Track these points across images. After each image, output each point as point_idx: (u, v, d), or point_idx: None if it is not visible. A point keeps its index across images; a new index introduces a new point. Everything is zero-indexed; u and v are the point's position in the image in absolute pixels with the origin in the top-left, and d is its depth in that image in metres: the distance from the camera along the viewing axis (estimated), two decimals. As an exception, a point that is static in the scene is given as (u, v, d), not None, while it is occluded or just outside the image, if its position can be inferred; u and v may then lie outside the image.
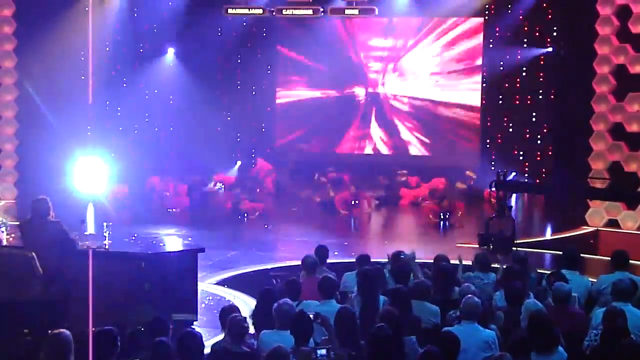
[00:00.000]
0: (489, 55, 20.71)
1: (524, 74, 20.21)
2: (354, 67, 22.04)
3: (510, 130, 20.42)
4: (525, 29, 20.01)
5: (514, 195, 17.13)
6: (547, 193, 16.73)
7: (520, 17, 19.98)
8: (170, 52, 21.65)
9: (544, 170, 19.77)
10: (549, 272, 7.81)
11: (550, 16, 19.65)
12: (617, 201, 15.39)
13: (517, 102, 20.33)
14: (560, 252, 9.40)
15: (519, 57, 20.13)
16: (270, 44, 22.27)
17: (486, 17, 20.62)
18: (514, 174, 19.29)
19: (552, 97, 19.88)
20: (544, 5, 19.63)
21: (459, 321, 6.79)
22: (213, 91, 21.61)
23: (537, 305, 7.23)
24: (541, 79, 20.03)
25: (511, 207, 12.90)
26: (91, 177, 10.21)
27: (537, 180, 19.28)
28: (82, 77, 19.75)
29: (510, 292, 7.56)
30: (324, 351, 5.97)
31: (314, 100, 22.26)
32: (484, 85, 20.87)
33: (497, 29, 20.45)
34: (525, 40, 20.03)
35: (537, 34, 19.90)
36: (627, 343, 5.95)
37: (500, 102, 20.60)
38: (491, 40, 20.64)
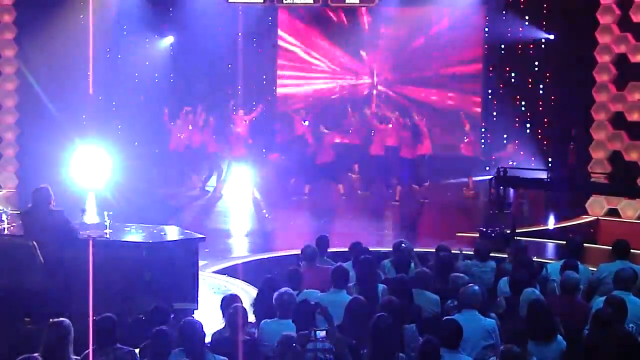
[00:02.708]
0: (489, 46, 20.68)
1: (524, 63, 20.16)
2: (354, 57, 22.01)
3: (510, 120, 20.38)
4: (526, 18, 19.95)
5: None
6: (548, 189, 16.71)
7: (521, 5, 19.94)
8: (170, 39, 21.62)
9: (543, 159, 19.75)
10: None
11: (551, 4, 19.59)
12: (619, 196, 15.38)
13: (517, 91, 20.29)
14: (564, 242, 9.42)
15: (519, 46, 20.10)
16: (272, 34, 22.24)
17: (488, 6, 20.58)
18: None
19: (552, 86, 19.83)
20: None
21: (459, 310, 6.80)
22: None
23: (536, 294, 7.25)
24: (542, 68, 19.99)
25: (510, 203, 12.91)
26: (90, 168, 10.15)
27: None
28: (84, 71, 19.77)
29: (515, 281, 7.57)
30: (323, 333, 6.00)
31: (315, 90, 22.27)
32: (484, 75, 20.85)
33: (497, 20, 20.41)
34: (525, 29, 19.98)
35: (538, 22, 19.84)
36: (617, 331, 5.96)
37: (501, 91, 20.56)
38: (491, 30, 20.60)
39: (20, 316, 8.39)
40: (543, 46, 19.83)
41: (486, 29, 20.76)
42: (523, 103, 20.27)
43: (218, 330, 6.83)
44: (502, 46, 20.36)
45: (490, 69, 20.75)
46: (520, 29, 19.97)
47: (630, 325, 6.80)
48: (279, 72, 22.43)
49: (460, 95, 21.27)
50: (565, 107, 18.79)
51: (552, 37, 19.53)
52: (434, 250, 9.11)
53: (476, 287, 6.85)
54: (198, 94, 20.29)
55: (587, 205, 16.00)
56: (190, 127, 18.65)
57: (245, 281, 10.72)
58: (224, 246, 12.99)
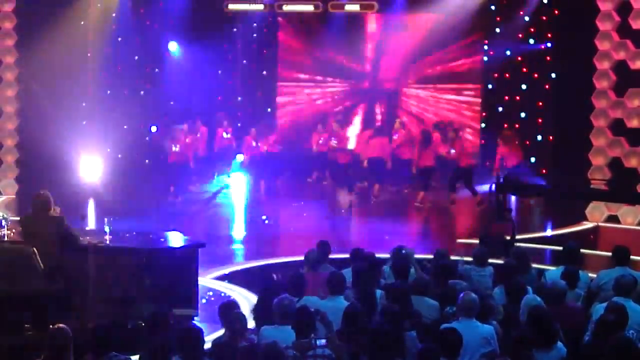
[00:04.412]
0: (489, 50, 20.71)
1: (524, 69, 20.19)
2: (356, 62, 22.02)
3: (510, 126, 20.37)
4: (527, 25, 19.97)
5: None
6: (548, 195, 16.80)
7: (521, 12, 19.96)
8: (173, 45, 21.64)
9: (543, 166, 19.75)
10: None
11: (551, 11, 19.62)
12: (618, 202, 15.38)
13: (517, 98, 20.29)
14: (561, 248, 9.40)
15: (519, 52, 20.12)
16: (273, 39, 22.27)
17: (487, 13, 20.60)
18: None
19: (552, 92, 19.84)
20: (545, 0, 19.60)
21: (456, 317, 6.79)
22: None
23: (537, 300, 7.25)
24: (541, 75, 19.99)
25: (511, 209, 12.90)
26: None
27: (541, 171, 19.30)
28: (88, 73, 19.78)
29: (511, 288, 7.57)
30: (323, 341, 6.01)
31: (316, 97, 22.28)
32: (484, 79, 20.89)
33: (498, 25, 20.45)
34: (525, 35, 20.00)
35: (538, 29, 19.86)
36: (617, 337, 5.96)
37: (500, 96, 20.57)
38: (492, 36, 20.65)
39: (20, 323, 8.38)
40: (543, 53, 19.85)
41: (486, 39, 20.81)
42: (522, 110, 20.28)
43: (218, 337, 6.82)
44: (502, 55, 20.40)
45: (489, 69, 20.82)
46: (520, 35, 20.01)
47: (631, 331, 6.79)
48: (280, 83, 22.46)
49: (460, 103, 21.30)
50: (565, 114, 18.82)
51: (549, 45, 19.55)
52: (433, 255, 9.11)
53: (474, 295, 6.82)
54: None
55: (586, 211, 15.99)
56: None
57: (245, 287, 10.72)
58: (224, 252, 12.99)
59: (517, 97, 20.21)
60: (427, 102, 21.57)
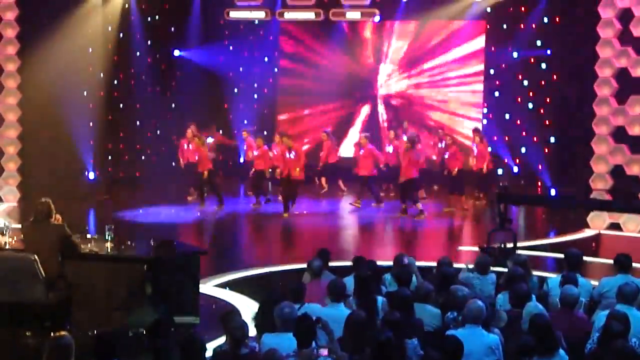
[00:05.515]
0: (490, 58, 20.75)
1: (525, 76, 20.22)
2: (357, 69, 22.06)
3: (511, 133, 20.40)
4: (527, 30, 20.00)
5: None
6: (549, 206, 16.78)
7: (523, 19, 20.00)
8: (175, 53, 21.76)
9: (546, 173, 19.77)
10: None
11: (552, 19, 19.66)
12: (620, 212, 15.38)
13: (519, 105, 20.33)
14: (562, 255, 9.39)
15: (521, 60, 20.15)
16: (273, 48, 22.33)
17: (488, 20, 20.65)
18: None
19: (553, 100, 19.87)
20: (546, 8, 19.65)
21: (462, 324, 6.77)
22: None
23: (539, 308, 7.24)
24: (542, 82, 20.03)
25: (512, 220, 12.93)
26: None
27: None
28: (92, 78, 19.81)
29: (515, 294, 7.55)
30: (325, 351, 5.99)
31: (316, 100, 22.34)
32: (486, 87, 20.93)
33: (500, 32, 20.49)
34: (527, 43, 20.04)
35: (539, 36, 19.90)
36: (619, 346, 5.95)
37: (502, 105, 20.60)
38: (493, 43, 20.69)
39: (21, 330, 8.38)
40: (544, 60, 19.88)
41: (488, 47, 20.85)
42: (524, 117, 20.31)
43: (219, 345, 6.81)
44: (504, 62, 20.44)
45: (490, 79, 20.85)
46: (521, 43, 20.05)
47: (634, 340, 6.78)
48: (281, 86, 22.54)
49: (462, 111, 21.35)
50: (566, 122, 18.82)
51: (548, 52, 19.58)
52: (436, 263, 9.11)
53: (480, 302, 6.80)
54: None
55: (588, 219, 15.98)
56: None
57: (246, 295, 10.70)
58: (225, 260, 12.98)
59: (518, 105, 20.26)
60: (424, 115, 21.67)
